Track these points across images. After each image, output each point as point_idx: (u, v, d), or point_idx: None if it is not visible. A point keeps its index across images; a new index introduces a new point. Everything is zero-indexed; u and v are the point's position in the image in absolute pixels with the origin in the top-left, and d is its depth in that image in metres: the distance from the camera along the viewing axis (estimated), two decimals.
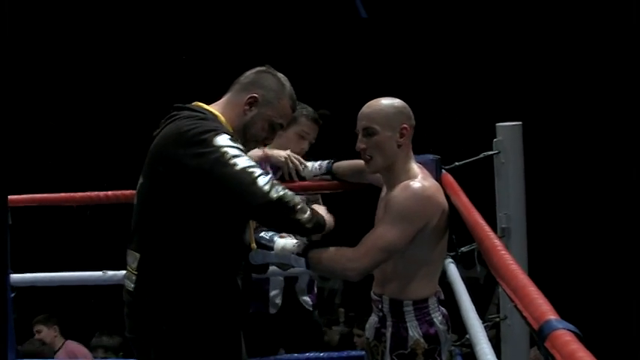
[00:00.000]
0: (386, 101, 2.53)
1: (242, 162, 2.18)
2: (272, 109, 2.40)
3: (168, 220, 2.25)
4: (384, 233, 2.37)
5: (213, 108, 2.40)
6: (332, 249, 2.38)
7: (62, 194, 3.34)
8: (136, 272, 2.31)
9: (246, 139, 2.40)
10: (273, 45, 6.87)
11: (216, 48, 6.95)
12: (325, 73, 7.83)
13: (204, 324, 2.31)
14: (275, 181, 2.22)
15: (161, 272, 2.28)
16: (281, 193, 2.18)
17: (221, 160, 2.17)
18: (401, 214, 2.38)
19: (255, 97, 2.39)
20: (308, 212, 2.25)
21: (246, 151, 2.28)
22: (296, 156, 3.07)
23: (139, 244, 2.32)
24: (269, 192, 2.16)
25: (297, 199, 2.23)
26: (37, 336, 5.19)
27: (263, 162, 3.16)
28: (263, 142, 2.52)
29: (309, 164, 3.06)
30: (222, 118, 2.36)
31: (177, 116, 2.33)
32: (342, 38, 7.72)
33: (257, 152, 2.97)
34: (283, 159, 3.04)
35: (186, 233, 2.25)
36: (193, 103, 2.40)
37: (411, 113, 2.54)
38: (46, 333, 5.20)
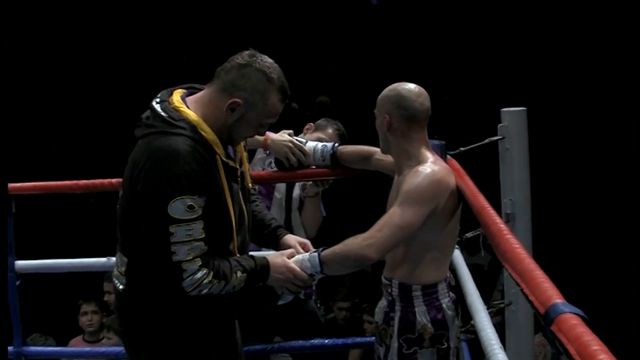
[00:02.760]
0: (388, 88, 2.52)
1: (180, 235, 2.15)
2: (258, 112, 2.25)
3: (149, 233, 2.21)
4: (397, 212, 2.35)
5: (194, 107, 2.25)
6: (343, 241, 2.37)
7: (66, 182, 3.34)
8: (124, 276, 2.32)
9: (233, 138, 2.30)
10: (278, 42, 6.85)
11: (216, 48, 6.92)
12: (331, 59, 7.81)
13: (194, 326, 2.31)
14: (200, 267, 2.19)
15: (149, 278, 2.28)
16: (196, 279, 2.18)
17: (162, 228, 2.15)
18: (412, 196, 2.36)
19: (237, 102, 2.22)
20: (220, 287, 2.23)
21: (203, 206, 2.18)
22: (299, 144, 2.95)
23: (126, 249, 2.33)
24: (183, 279, 2.18)
25: (213, 288, 2.21)
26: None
27: (263, 149, 3.12)
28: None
29: (311, 147, 2.95)
30: (202, 124, 2.21)
31: (153, 130, 2.22)
32: (349, 24, 7.70)
33: (258, 137, 2.87)
34: (285, 150, 2.94)
35: (168, 244, 2.19)
36: (175, 99, 2.27)
37: (405, 103, 2.46)
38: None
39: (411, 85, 2.51)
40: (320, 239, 2.57)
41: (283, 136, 2.97)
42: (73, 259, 3.48)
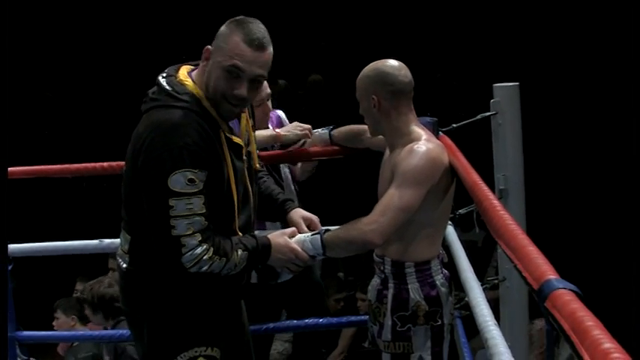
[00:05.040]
0: (367, 70, 2.49)
1: (179, 208, 2.13)
2: (221, 53, 2.19)
3: (149, 206, 2.19)
4: (396, 194, 2.34)
5: (199, 81, 2.24)
6: (345, 224, 2.37)
7: (58, 166, 3.32)
8: (128, 254, 2.32)
9: (217, 100, 2.21)
10: (269, 20, 6.82)
11: (205, 27, 6.89)
12: (322, 37, 7.78)
13: (197, 304, 2.30)
14: (201, 243, 2.17)
15: (152, 256, 2.26)
16: (195, 255, 2.17)
17: (162, 202, 2.14)
18: (410, 177, 2.36)
19: (207, 48, 2.22)
20: (220, 264, 2.22)
21: (204, 182, 2.16)
22: (307, 126, 3.07)
23: (129, 227, 2.32)
24: (182, 254, 2.16)
25: (214, 265, 2.20)
26: (54, 322, 4.74)
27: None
28: (241, 101, 2.24)
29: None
30: (199, 92, 2.21)
31: (157, 104, 2.22)
32: (341, 2, 7.67)
33: (266, 133, 3.00)
34: (297, 134, 3.04)
35: (167, 217, 2.17)
36: (180, 73, 2.27)
37: (390, 79, 2.44)
38: (63, 321, 4.69)
39: (390, 60, 2.50)
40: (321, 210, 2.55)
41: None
42: (64, 241, 3.46)
